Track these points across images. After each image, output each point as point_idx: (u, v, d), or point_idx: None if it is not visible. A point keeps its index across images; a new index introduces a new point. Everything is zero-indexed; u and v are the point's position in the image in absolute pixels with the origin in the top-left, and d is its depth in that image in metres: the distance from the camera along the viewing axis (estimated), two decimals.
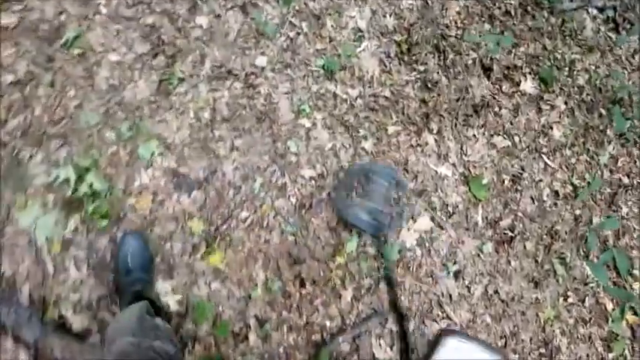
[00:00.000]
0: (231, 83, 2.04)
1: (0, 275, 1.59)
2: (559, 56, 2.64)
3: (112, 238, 1.72)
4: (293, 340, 1.79)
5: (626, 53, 2.84)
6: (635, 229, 2.40)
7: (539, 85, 2.54)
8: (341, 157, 2.09)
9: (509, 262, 2.14)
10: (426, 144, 2.22)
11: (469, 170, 2.23)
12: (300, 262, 1.88)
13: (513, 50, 2.56)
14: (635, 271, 2.30)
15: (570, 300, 2.15)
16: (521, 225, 2.21)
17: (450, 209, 2.14)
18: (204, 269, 1.77)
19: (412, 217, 2.08)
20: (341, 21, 2.31)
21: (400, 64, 2.33)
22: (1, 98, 1.76)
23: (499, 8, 2.65)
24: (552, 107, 2.50)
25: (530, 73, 2.55)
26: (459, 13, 2.54)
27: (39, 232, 1.64)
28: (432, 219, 2.10)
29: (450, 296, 2.00)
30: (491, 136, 2.33)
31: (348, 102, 2.18)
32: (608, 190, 2.44)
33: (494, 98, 2.42)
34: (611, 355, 2.12)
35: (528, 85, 2.51)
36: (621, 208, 2.42)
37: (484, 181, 2.21)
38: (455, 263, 2.06)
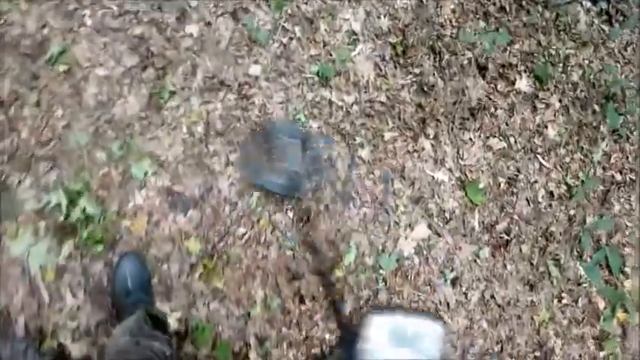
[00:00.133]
0: (225, 95, 1.92)
1: None
2: (553, 52, 2.53)
3: (108, 262, 1.63)
4: (293, 356, 1.74)
5: (619, 46, 2.73)
6: (627, 226, 2.34)
7: (534, 82, 2.43)
8: (338, 166, 2.00)
9: (505, 266, 2.08)
10: (423, 149, 2.13)
11: (465, 175, 2.14)
12: (299, 278, 1.80)
13: (508, 48, 2.44)
14: (627, 269, 2.25)
15: (564, 301, 2.10)
16: (516, 228, 2.14)
17: (447, 215, 2.07)
18: (202, 289, 1.69)
19: (409, 225, 2.01)
20: (335, 24, 2.18)
21: (395, 67, 2.21)
22: None
23: (494, 4, 2.51)
24: (547, 106, 2.40)
25: (525, 71, 2.44)
26: (453, 11, 2.40)
27: (32, 261, 1.55)
28: (430, 226, 2.02)
29: (448, 304, 1.94)
30: (487, 138, 2.24)
31: (344, 109, 2.07)
32: (601, 187, 2.37)
33: (490, 99, 2.32)
34: (602, 354, 2.09)
35: (523, 84, 2.41)
36: (614, 206, 2.36)
37: (480, 186, 2.13)
38: (452, 270, 1.99)
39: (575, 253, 2.18)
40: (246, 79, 1.97)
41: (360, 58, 2.17)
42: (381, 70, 2.18)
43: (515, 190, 2.19)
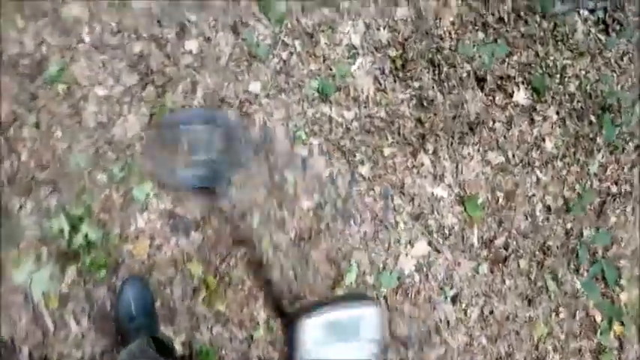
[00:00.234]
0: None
1: None
2: (551, 63, 2.52)
3: (111, 287, 1.62)
4: None
5: (615, 55, 2.73)
6: (622, 238, 2.37)
7: (532, 94, 2.43)
8: (338, 184, 1.99)
9: (503, 281, 2.10)
10: (422, 165, 2.13)
11: (464, 190, 2.15)
12: (301, 299, 1.81)
13: (507, 59, 2.44)
14: (623, 281, 2.28)
15: (562, 315, 2.13)
16: (514, 243, 2.16)
17: (447, 231, 2.08)
18: (205, 313, 1.69)
19: (410, 242, 2.02)
20: (335, 37, 2.16)
21: (395, 81, 2.20)
22: None
23: (492, 15, 2.50)
24: (544, 118, 2.41)
25: (522, 83, 2.44)
26: (452, 22, 2.39)
27: (35, 288, 1.53)
28: (430, 243, 2.03)
29: (448, 322, 1.96)
30: (486, 152, 2.24)
31: (344, 125, 2.06)
32: (598, 199, 2.39)
33: (488, 112, 2.32)
34: None
35: (521, 96, 2.41)
36: (610, 218, 2.38)
37: (479, 201, 2.14)
38: (452, 287, 2.01)
39: (572, 267, 2.21)
40: (247, 95, 1.95)
41: (360, 72, 2.15)
42: (380, 85, 2.17)
43: (513, 205, 2.20)
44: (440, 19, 2.38)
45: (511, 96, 2.39)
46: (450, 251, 2.05)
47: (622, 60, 2.75)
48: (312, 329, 0.88)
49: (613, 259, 2.29)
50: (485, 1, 2.49)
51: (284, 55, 2.05)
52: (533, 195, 2.26)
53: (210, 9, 1.97)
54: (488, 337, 1.99)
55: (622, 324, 2.18)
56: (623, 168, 2.50)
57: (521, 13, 2.57)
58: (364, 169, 2.03)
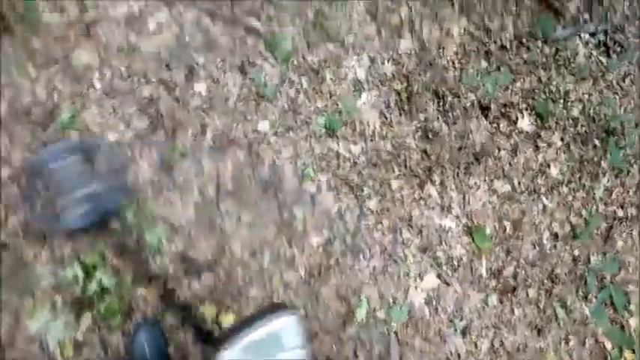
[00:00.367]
0: (234, 153, 1.90)
1: None
2: (554, 88, 2.51)
3: (125, 332, 1.61)
4: None
5: (617, 78, 2.71)
6: (629, 262, 2.34)
7: (536, 120, 2.41)
8: (347, 219, 1.98)
9: (512, 312, 2.07)
10: (429, 196, 2.12)
11: (472, 220, 2.13)
12: (312, 338, 1.79)
13: (510, 86, 2.42)
14: (632, 306, 2.25)
15: (572, 343, 2.10)
16: (523, 272, 2.13)
17: (455, 263, 2.06)
18: None
19: (419, 275, 2.00)
20: (340, 72, 2.15)
21: (400, 114, 2.19)
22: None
23: (494, 42, 2.49)
24: (549, 144, 2.39)
25: (526, 109, 2.42)
26: (456, 53, 2.38)
27: (50, 337, 1.53)
28: (439, 275, 2.01)
29: (459, 355, 1.94)
30: (492, 181, 2.22)
31: (351, 160, 2.05)
32: (604, 224, 2.37)
33: (493, 140, 2.31)
34: None
35: (525, 123, 2.39)
36: (617, 242, 2.35)
37: (487, 231, 2.13)
38: (462, 319, 1.99)
39: (581, 294, 2.18)
40: (255, 135, 1.95)
41: (366, 106, 2.15)
42: (386, 118, 2.17)
43: (520, 234, 2.18)
44: (443, 49, 2.37)
45: (515, 123, 2.37)
46: (459, 283, 2.03)
47: (624, 81, 2.73)
48: (232, 356, 0.87)
49: (621, 284, 2.27)
50: (487, 30, 2.49)
51: (291, 92, 2.05)
52: (540, 222, 2.24)
53: (217, 50, 1.98)
54: None
55: (633, 352, 2.15)
56: (629, 191, 2.48)
57: (523, 40, 2.56)
58: (372, 203, 2.02)
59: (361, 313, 1.86)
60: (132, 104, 1.83)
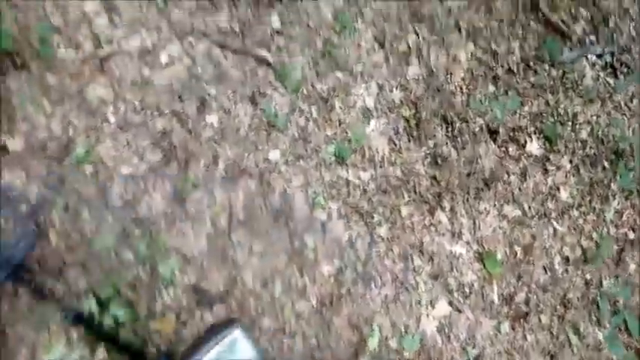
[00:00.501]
0: (246, 183, 1.90)
1: None
2: (562, 111, 2.49)
3: None
4: None
5: (624, 98, 2.69)
6: None
7: (544, 144, 2.39)
8: (358, 247, 1.97)
9: (525, 338, 2.04)
10: (440, 223, 2.10)
11: (482, 246, 2.11)
12: None
13: (518, 110, 2.41)
14: None
15: None
16: (535, 297, 2.10)
17: (467, 289, 2.03)
18: None
19: (431, 303, 1.98)
20: (349, 100, 2.15)
21: (409, 140, 2.18)
22: None
23: (502, 66, 2.48)
24: (558, 167, 2.36)
25: (535, 133, 2.40)
26: (463, 78, 2.37)
27: None
28: (450, 303, 1.99)
29: None
30: (502, 206, 2.20)
31: (361, 187, 2.04)
32: (615, 247, 2.33)
33: (502, 164, 2.29)
34: None
35: (534, 147, 2.37)
36: (629, 265, 2.31)
37: (498, 257, 2.10)
38: (474, 347, 1.95)
39: (594, 319, 2.14)
40: (267, 164, 1.95)
41: (375, 133, 2.14)
42: (395, 145, 2.16)
43: (531, 259, 2.15)
44: (451, 74, 2.37)
45: (524, 147, 2.35)
46: (471, 310, 2.00)
47: (631, 102, 2.70)
48: None
49: (635, 308, 2.22)
50: (494, 54, 2.48)
51: (301, 121, 2.05)
52: (551, 247, 2.20)
53: (228, 81, 1.99)
54: None
55: None
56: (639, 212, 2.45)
57: (530, 63, 2.54)
58: (382, 230, 2.01)
59: (373, 343, 1.84)
60: (145, 137, 1.84)
